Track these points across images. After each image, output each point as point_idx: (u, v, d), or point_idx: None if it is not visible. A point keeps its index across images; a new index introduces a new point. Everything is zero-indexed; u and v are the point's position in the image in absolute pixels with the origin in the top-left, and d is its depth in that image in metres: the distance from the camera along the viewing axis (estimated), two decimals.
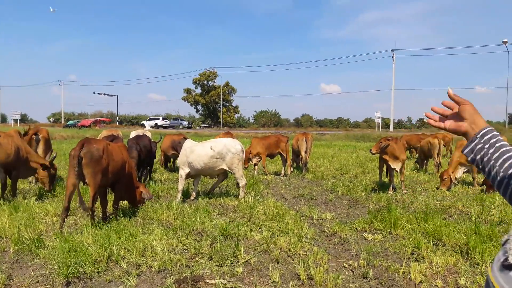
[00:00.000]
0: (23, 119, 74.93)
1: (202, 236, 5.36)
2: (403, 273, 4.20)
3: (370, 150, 8.53)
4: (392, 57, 54.03)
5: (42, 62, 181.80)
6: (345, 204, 7.82)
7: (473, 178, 9.81)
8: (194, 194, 8.07)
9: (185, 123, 64.65)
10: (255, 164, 11.59)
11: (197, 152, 7.58)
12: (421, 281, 4.00)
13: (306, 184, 10.36)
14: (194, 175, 7.94)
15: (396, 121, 61.91)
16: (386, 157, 8.61)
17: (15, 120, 63.25)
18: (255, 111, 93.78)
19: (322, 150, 21.34)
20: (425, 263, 4.42)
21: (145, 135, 10.47)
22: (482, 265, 4.37)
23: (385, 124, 61.41)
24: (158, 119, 62.24)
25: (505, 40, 46.17)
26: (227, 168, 7.73)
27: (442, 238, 5.27)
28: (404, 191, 8.83)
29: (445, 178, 9.35)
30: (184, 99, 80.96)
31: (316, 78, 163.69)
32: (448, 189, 9.18)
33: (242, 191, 7.89)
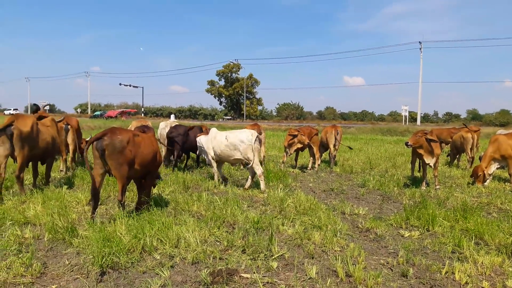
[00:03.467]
0: (51, 109, 76.80)
1: (234, 228, 5.28)
2: (446, 272, 4.01)
3: (406, 142, 8.19)
4: (420, 49, 52.75)
5: (68, 54, 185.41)
6: (378, 199, 7.61)
7: (510, 175, 9.39)
8: (220, 178, 8.65)
9: None
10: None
11: (217, 139, 8.23)
12: (466, 282, 3.80)
13: (334, 178, 10.16)
14: (217, 160, 8.50)
15: (422, 114, 60.46)
16: (420, 151, 8.31)
17: (44, 111, 64.73)
18: (278, 103, 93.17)
19: (348, 143, 20.93)
20: (469, 263, 4.21)
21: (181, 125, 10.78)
22: None
23: (411, 118, 60.12)
24: None
25: None
26: (242, 157, 7.99)
27: (484, 236, 5.03)
28: (437, 187, 8.54)
29: (480, 174, 9.01)
30: (207, 91, 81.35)
31: (339, 71, 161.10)
32: (482, 185, 8.86)
33: (262, 180, 7.96)
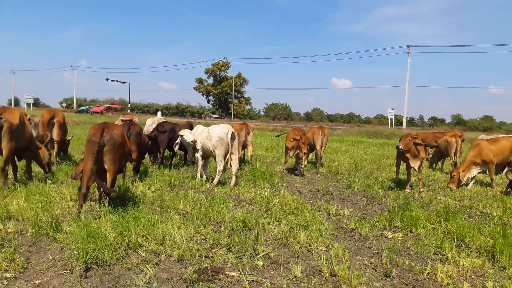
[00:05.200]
0: (36, 103, 75.65)
1: (220, 226, 5.29)
2: (428, 273, 4.08)
3: (398, 146, 8.24)
4: (408, 53, 53.42)
5: (55, 47, 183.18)
6: (362, 200, 7.69)
7: (491, 179, 9.59)
8: (205, 176, 8.78)
9: None
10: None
11: (202, 134, 8.40)
12: (447, 283, 3.87)
13: (320, 178, 10.23)
14: (203, 156, 8.63)
15: (407, 118, 61.20)
16: (407, 154, 8.42)
17: (28, 104, 63.84)
18: (266, 103, 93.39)
19: (335, 145, 21.15)
20: (451, 264, 4.30)
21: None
22: (509, 268, 4.23)
23: (397, 121, 60.85)
24: None
25: None
26: (212, 149, 8.11)
27: (465, 239, 5.13)
28: (421, 190, 8.67)
29: (454, 176, 9.22)
30: (196, 88, 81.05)
31: (327, 73, 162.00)
32: (456, 187, 9.06)
33: (218, 175, 8.10)
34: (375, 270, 4.20)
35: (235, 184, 8.14)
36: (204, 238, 4.83)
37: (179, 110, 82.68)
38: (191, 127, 10.99)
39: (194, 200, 6.50)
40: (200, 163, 8.64)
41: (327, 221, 5.80)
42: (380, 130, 37.80)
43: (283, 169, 11.09)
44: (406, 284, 3.88)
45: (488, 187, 9.50)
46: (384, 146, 22.22)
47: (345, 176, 10.65)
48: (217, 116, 77.11)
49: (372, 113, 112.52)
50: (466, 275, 4.08)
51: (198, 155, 8.53)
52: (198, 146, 8.46)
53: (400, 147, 8.20)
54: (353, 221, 5.87)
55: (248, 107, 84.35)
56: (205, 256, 4.28)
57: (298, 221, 5.67)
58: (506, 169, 10.17)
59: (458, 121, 74.11)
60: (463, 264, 4.30)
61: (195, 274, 3.79)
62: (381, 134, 34.49)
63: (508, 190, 8.62)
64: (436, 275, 4.03)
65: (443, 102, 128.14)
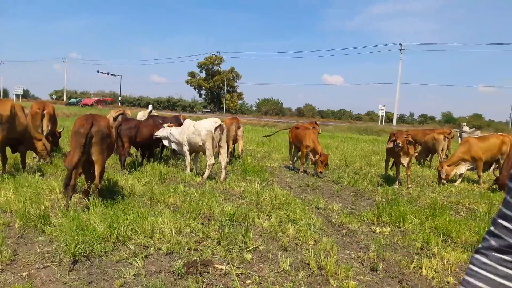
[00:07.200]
0: (25, 95, 74.72)
1: (210, 220, 5.30)
2: (414, 267, 4.15)
3: (398, 143, 8.21)
4: (400, 50, 53.65)
5: (45, 37, 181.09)
6: (351, 195, 7.76)
7: (479, 176, 9.73)
8: (194, 170, 8.82)
9: None
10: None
11: (189, 129, 8.38)
12: (432, 277, 3.94)
13: (310, 173, 10.28)
14: (190, 150, 8.63)
15: (398, 115, 61.57)
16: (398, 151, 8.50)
17: (17, 96, 62.94)
18: (258, 98, 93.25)
19: (325, 141, 21.21)
20: (436, 259, 4.38)
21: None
22: None
23: (388, 118, 61.19)
24: None
25: None
26: (201, 144, 8.09)
27: (451, 234, 5.20)
28: (410, 186, 8.77)
29: (439, 170, 9.36)
30: (187, 82, 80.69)
31: (319, 69, 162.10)
32: (439, 182, 9.29)
33: (208, 170, 8.13)
34: (362, 264, 4.25)
35: (225, 178, 8.16)
36: (194, 231, 4.84)
37: (170, 104, 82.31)
38: (178, 120, 10.96)
39: (184, 194, 6.51)
40: (189, 157, 8.68)
41: (316, 216, 5.85)
42: (370, 126, 38.01)
43: (300, 171, 10.20)
44: (392, 278, 3.94)
45: (475, 184, 9.63)
46: (374, 143, 22.37)
47: (335, 171, 10.71)
48: (209, 110, 76.92)
49: (364, 109, 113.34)
50: (451, 269, 4.16)
51: (186, 149, 8.55)
52: (185, 142, 8.45)
53: (400, 144, 8.23)
54: (341, 216, 5.93)
55: (240, 102, 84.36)
56: (194, 250, 4.29)
57: (288, 216, 5.71)
58: (493, 166, 10.33)
59: (448, 119, 74.80)
60: (449, 259, 4.37)
61: (184, 267, 3.80)
62: (371, 130, 34.69)
63: (494, 186, 8.76)
64: (421, 269, 4.09)
65: (433, 100, 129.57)
